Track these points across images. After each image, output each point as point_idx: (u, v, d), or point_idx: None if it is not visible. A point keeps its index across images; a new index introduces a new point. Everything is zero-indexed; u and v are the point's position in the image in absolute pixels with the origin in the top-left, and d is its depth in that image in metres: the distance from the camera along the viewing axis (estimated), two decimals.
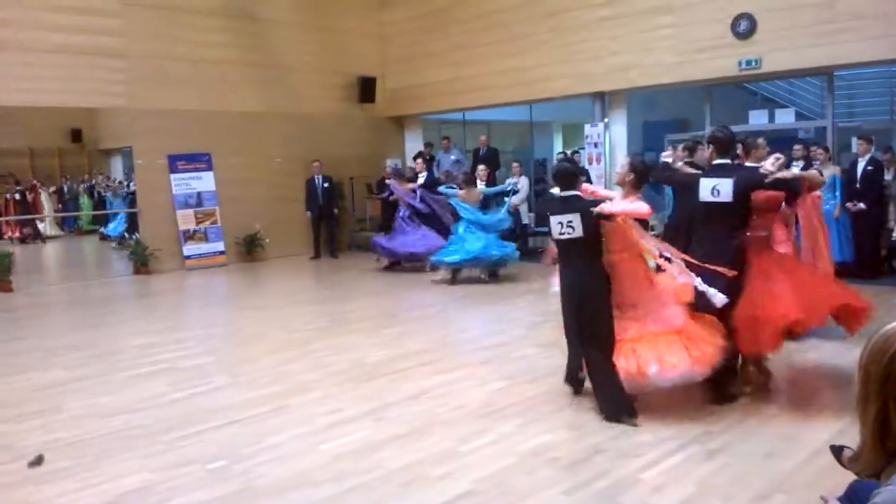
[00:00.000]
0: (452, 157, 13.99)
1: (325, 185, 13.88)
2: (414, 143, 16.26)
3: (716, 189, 4.94)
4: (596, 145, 12.54)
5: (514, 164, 12.76)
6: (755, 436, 4.41)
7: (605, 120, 12.49)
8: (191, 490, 3.90)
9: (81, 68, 11.73)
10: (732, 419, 4.68)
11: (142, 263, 12.47)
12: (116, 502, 3.79)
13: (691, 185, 5.14)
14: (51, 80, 11.45)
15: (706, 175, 5.10)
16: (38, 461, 4.33)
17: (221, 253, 13.40)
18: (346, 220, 15.08)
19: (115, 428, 4.92)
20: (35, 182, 17.88)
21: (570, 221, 4.81)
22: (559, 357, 6.19)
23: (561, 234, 4.89)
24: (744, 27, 10.36)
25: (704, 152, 9.76)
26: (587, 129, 12.74)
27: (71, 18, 11.58)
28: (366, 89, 15.25)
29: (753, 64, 10.34)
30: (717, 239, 4.93)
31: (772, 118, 11.77)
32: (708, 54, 10.72)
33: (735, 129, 11.33)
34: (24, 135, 17.95)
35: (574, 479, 3.87)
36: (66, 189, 19.24)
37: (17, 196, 17.67)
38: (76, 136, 19.10)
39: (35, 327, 8.62)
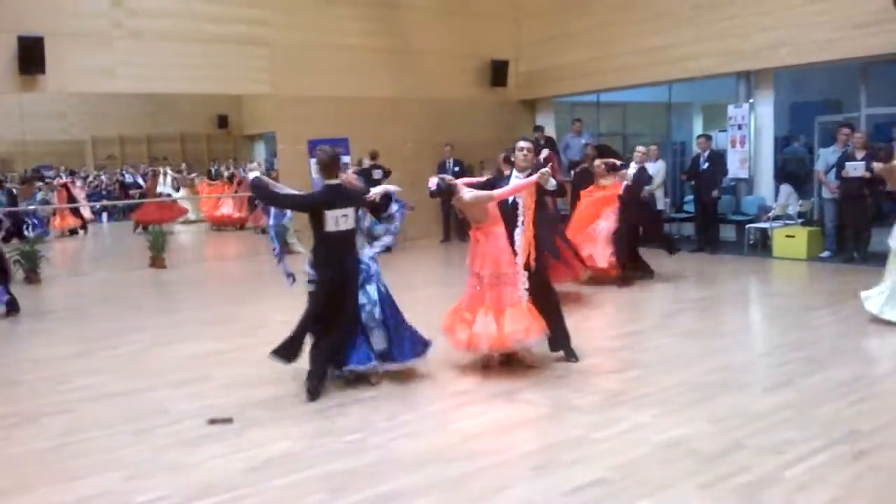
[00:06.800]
0: (583, 142, 13.70)
1: (456, 168, 13.96)
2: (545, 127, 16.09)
3: None
4: (740, 127, 11.97)
5: (652, 147, 12.27)
6: None
7: (750, 100, 11.90)
8: (330, 460, 4.06)
9: (229, 57, 12.41)
10: (883, 420, 4.38)
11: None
12: (262, 467, 4.00)
13: None
14: (201, 68, 12.18)
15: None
16: (221, 421, 4.65)
17: None
18: None
19: (260, 397, 5.19)
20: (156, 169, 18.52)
21: None
22: (697, 347, 6.02)
23: None
24: None
25: None
26: (731, 110, 12.18)
27: (222, 9, 12.26)
28: (498, 73, 15.21)
29: None
30: None
31: None
32: (868, 30, 9.95)
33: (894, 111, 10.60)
34: (176, 121, 19.25)
35: (712, 473, 3.74)
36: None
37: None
38: (223, 122, 20.25)
39: (188, 301, 9.22)
